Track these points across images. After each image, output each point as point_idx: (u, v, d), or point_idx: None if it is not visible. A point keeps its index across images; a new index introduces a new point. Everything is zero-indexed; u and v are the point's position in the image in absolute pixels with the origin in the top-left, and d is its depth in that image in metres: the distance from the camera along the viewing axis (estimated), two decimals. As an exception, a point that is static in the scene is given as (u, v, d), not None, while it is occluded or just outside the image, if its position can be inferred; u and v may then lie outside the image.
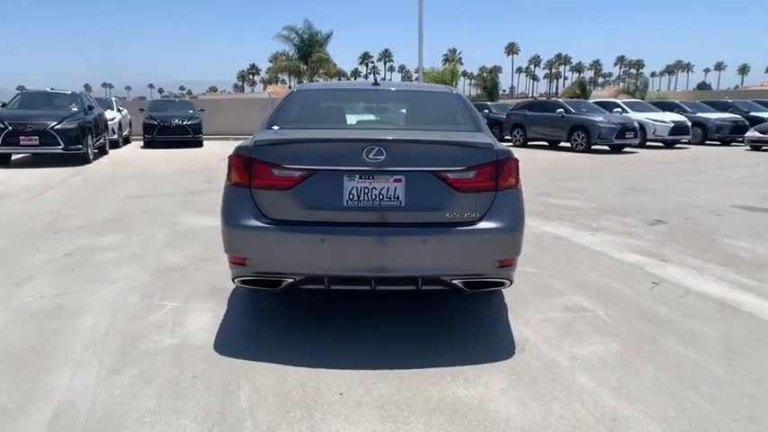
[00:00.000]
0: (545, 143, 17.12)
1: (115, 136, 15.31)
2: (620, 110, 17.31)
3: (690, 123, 16.75)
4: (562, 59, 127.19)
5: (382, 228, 2.66)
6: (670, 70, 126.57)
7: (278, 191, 2.70)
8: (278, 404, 2.30)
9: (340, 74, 48.36)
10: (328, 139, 2.86)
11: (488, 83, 42.62)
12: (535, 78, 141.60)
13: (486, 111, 20.16)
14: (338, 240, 2.64)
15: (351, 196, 2.66)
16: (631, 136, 15.19)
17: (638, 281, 3.93)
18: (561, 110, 16.18)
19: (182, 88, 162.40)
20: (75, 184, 8.72)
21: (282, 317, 3.25)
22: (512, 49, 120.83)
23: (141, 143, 16.44)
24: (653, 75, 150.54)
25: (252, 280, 2.81)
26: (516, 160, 2.83)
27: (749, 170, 10.83)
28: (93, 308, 3.32)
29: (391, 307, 3.38)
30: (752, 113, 18.94)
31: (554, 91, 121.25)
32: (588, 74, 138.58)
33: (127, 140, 17.33)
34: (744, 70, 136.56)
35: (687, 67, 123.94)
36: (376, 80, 3.74)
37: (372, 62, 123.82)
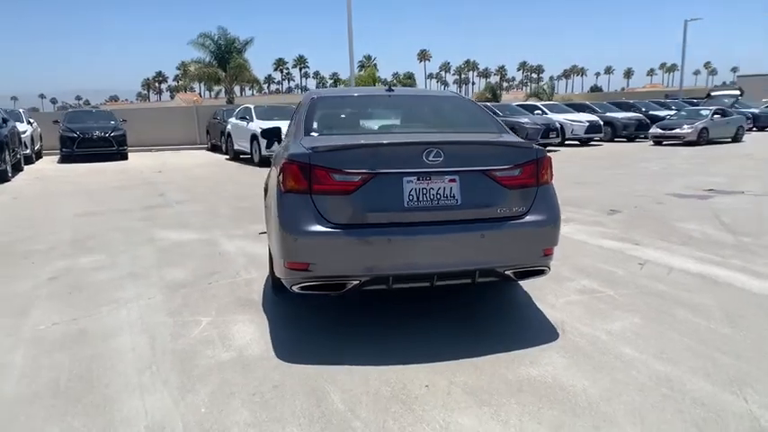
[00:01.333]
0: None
1: (28, 150, 13.98)
2: (540, 112, 18.63)
3: (602, 122, 18.36)
4: (470, 65, 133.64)
5: (443, 225, 2.80)
6: (567, 74, 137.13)
7: (339, 195, 2.74)
8: (374, 402, 2.36)
9: (255, 81, 47.42)
10: (389, 143, 2.95)
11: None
12: (445, 84, 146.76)
13: None
14: (404, 240, 2.74)
15: (411, 197, 2.77)
16: (554, 135, 16.39)
17: (626, 263, 4.36)
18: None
19: (78, 98, 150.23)
20: (5, 203, 7.93)
21: (325, 322, 3.27)
22: (424, 56, 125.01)
23: (57, 158, 15.15)
24: (551, 78, 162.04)
25: (315, 285, 2.82)
26: (550, 158, 3.09)
27: (664, 162, 12.13)
28: (121, 330, 3.14)
29: (423, 305, 3.50)
30: (650, 112, 21.12)
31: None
32: (494, 78, 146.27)
33: (39, 155, 15.88)
34: (629, 74, 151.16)
35: (581, 71, 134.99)
36: (390, 86, 3.87)
37: (287, 68, 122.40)
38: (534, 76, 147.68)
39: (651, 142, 17.85)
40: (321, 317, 3.33)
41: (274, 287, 3.62)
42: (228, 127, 15.43)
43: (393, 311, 3.40)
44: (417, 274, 2.82)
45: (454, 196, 2.81)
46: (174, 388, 2.49)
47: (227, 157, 15.29)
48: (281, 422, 2.22)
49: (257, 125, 13.23)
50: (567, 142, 17.82)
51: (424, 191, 2.78)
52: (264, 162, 12.70)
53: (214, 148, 18.66)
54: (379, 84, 41.60)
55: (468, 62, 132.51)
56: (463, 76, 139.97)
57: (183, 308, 3.48)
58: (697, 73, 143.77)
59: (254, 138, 13.24)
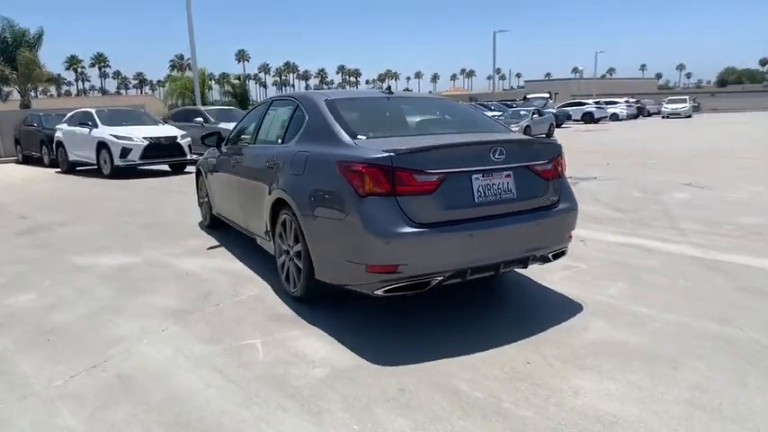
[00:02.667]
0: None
1: None
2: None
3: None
4: (291, 67, 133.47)
5: (506, 217, 3.05)
6: (381, 78, 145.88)
7: (421, 196, 2.81)
8: (501, 384, 2.52)
9: (52, 80, 40.80)
10: (464, 143, 3.09)
11: (238, 90, 42.00)
12: (264, 86, 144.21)
13: (200, 119, 14.13)
14: (481, 234, 2.92)
15: (479, 193, 2.97)
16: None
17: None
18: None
19: None
20: None
21: (379, 325, 3.26)
22: (242, 57, 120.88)
23: None
24: (367, 82, 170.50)
25: (402, 286, 2.83)
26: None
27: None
28: (171, 368, 2.73)
29: (443, 303, 3.70)
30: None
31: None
32: (314, 81, 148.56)
33: None
34: (435, 78, 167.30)
35: (395, 75, 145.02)
36: (390, 89, 3.96)
37: (83, 67, 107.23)
38: (352, 79, 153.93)
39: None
40: (371, 321, 3.29)
41: (303, 298, 3.47)
42: (59, 135, 13.21)
43: (427, 310, 3.50)
44: (491, 265, 3.04)
45: (511, 190, 3.09)
46: (304, 413, 2.31)
47: (59, 170, 13.11)
48: (442, 420, 2.26)
49: (104, 132, 11.67)
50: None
51: (488, 186, 3.01)
52: (119, 174, 11.26)
53: (27, 160, 15.85)
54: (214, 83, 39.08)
55: (288, 64, 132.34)
56: (283, 78, 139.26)
57: (216, 334, 3.12)
58: (489, 78, 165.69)
59: (101, 146, 11.64)
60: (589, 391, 2.47)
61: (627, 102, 37.25)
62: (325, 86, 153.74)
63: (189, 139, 12.21)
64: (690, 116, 36.69)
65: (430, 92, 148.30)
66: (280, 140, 3.96)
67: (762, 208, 6.56)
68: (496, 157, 3.02)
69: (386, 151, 2.81)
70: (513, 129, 19.81)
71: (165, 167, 12.17)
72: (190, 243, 5.36)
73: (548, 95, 27.31)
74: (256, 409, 2.34)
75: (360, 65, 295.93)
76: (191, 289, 3.93)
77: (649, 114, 40.74)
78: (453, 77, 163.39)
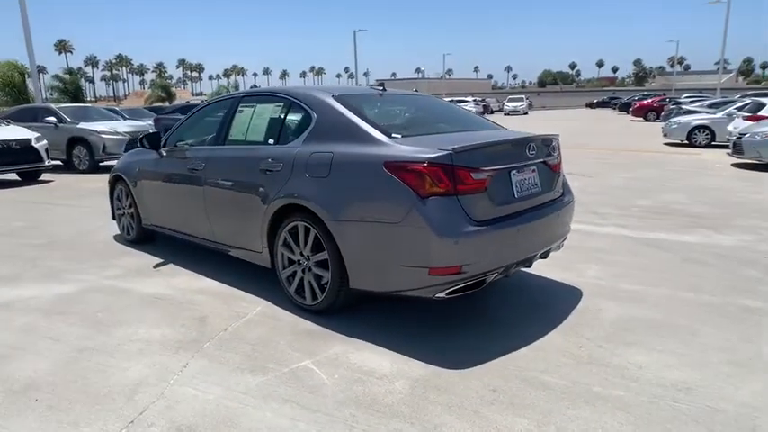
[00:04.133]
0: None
1: None
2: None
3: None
4: (123, 61, 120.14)
5: (537, 211, 3.16)
6: (227, 73, 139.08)
7: (477, 193, 2.79)
8: (576, 370, 2.64)
9: None
10: (507, 141, 3.09)
11: (70, 86, 36.70)
12: (91, 81, 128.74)
13: (53, 119, 11.84)
14: (525, 228, 2.99)
15: (517, 188, 3.04)
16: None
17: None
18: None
19: None
20: None
21: (416, 330, 3.16)
22: (63, 47, 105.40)
23: None
24: (211, 78, 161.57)
25: (463, 287, 2.78)
26: None
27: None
28: (235, 407, 2.32)
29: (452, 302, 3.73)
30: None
31: (122, 94, 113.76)
32: (150, 76, 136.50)
33: None
34: (284, 75, 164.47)
35: (242, 71, 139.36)
36: (383, 86, 3.81)
37: None
38: (195, 74, 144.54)
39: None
40: (405, 325, 3.18)
41: (324, 311, 3.22)
42: None
43: (441, 312, 3.48)
44: (529, 258, 3.12)
45: (537, 184, 3.22)
46: (423, 431, 2.16)
47: None
48: (554, 412, 2.29)
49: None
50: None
51: (522, 182, 3.10)
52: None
53: None
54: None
55: (120, 57, 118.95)
56: (114, 72, 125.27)
57: (254, 361, 2.74)
58: (339, 76, 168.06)
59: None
60: (649, 364, 2.70)
61: (475, 100, 40.73)
62: (168, 81, 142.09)
63: (45, 141, 10.43)
64: (527, 113, 41.43)
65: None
66: (272, 141, 3.58)
67: (643, 192, 7.72)
68: (530, 153, 3.12)
69: (443, 150, 2.73)
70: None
71: (10, 177, 10.24)
72: (125, 262, 4.61)
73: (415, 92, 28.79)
74: (369, 436, 2.13)
75: (203, 59, 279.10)
76: (176, 314, 3.39)
77: (492, 112, 45.04)
78: (303, 75, 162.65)
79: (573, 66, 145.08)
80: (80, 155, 11.81)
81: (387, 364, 2.72)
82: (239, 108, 3.97)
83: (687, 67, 60.95)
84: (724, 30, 28.22)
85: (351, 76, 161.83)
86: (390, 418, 2.26)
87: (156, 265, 4.47)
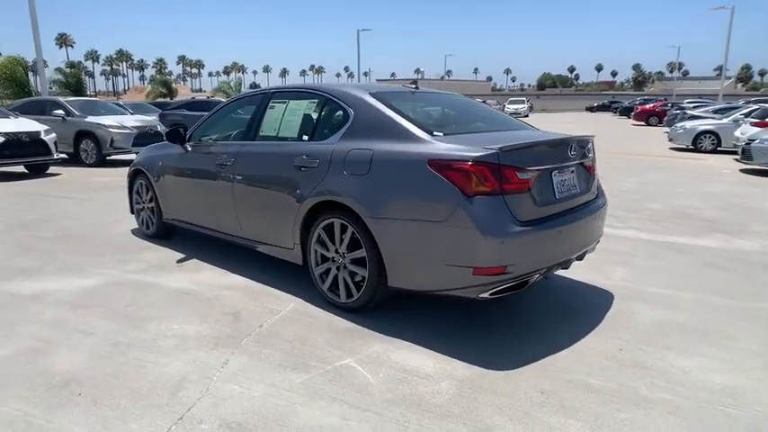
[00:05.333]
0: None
1: None
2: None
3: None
4: (124, 56, 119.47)
5: (578, 211, 3.15)
6: (227, 70, 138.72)
7: (521, 193, 2.77)
8: (622, 368, 2.62)
9: None
10: (551, 141, 3.07)
11: (71, 79, 36.51)
12: (91, 75, 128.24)
13: (61, 112, 11.71)
14: (566, 229, 2.98)
15: (558, 189, 3.03)
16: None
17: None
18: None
19: None
20: None
21: (456, 331, 3.14)
22: (64, 41, 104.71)
23: None
24: (210, 74, 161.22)
25: (508, 287, 2.76)
26: None
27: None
28: (283, 407, 2.30)
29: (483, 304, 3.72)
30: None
31: (122, 89, 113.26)
32: (150, 72, 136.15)
33: None
34: (284, 73, 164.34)
35: (242, 68, 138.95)
36: (416, 84, 3.79)
37: None
38: (195, 71, 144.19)
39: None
40: (443, 325, 3.16)
41: (360, 308, 3.20)
42: None
43: (472, 312, 3.47)
44: (568, 260, 3.11)
45: (576, 185, 3.20)
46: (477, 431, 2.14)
47: None
48: (605, 415, 2.28)
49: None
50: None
51: (562, 182, 3.08)
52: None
53: None
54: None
55: (121, 52, 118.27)
56: (115, 67, 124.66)
57: (295, 359, 2.72)
58: (338, 75, 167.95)
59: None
60: (692, 368, 2.69)
61: (480, 102, 40.72)
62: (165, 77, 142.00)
63: (54, 135, 10.37)
64: (527, 116, 41.40)
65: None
66: (306, 137, 3.55)
67: (654, 195, 7.73)
68: (571, 153, 3.11)
69: (490, 149, 2.71)
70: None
71: (18, 169, 10.16)
72: (146, 256, 4.56)
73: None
74: (423, 436, 2.11)
75: (203, 56, 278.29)
76: (207, 310, 3.36)
77: (493, 113, 44.94)
78: (303, 73, 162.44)
79: (572, 69, 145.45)
80: (87, 148, 11.75)
81: (429, 363, 2.70)
82: (270, 104, 3.93)
83: (686, 73, 61.31)
84: (727, 36, 28.37)
85: (350, 76, 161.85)
86: (442, 418, 2.24)
87: (179, 261, 4.43)
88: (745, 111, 14.15)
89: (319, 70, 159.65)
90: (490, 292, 2.75)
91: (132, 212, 5.44)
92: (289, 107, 3.81)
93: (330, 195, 3.18)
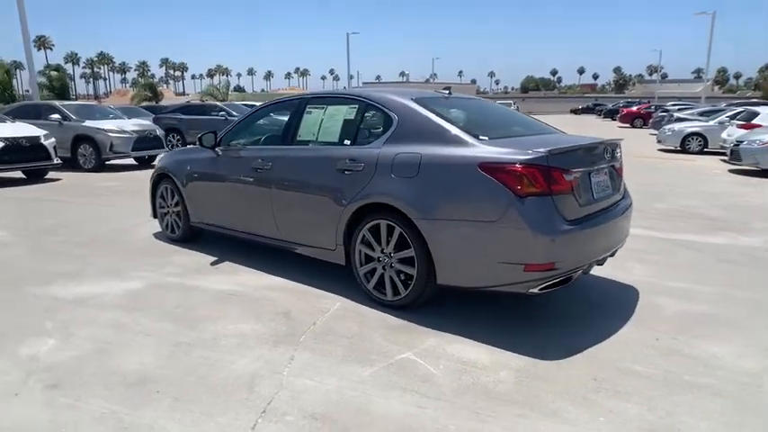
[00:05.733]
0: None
1: None
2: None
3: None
4: (105, 59, 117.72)
5: (611, 211, 3.34)
6: (211, 73, 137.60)
7: (567, 194, 2.95)
8: (662, 356, 2.80)
9: None
10: (591, 144, 3.25)
11: (56, 83, 36.02)
12: (71, 78, 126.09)
13: (57, 116, 11.64)
14: (604, 228, 3.17)
15: (595, 189, 3.21)
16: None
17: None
18: (223, 112, 16.55)
19: None
20: None
21: (498, 321, 3.30)
22: (43, 44, 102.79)
23: None
24: (194, 77, 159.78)
25: (555, 283, 2.93)
26: None
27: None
28: (360, 398, 2.43)
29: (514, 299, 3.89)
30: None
31: (103, 92, 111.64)
32: (132, 75, 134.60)
33: None
34: (269, 76, 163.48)
35: (226, 71, 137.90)
36: (449, 90, 3.95)
37: None
38: (178, 74, 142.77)
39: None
40: (487, 319, 3.31)
41: (407, 305, 3.35)
42: None
43: (512, 307, 3.64)
44: (604, 258, 3.29)
45: (609, 186, 3.40)
46: (545, 416, 2.30)
47: None
48: (657, 398, 2.45)
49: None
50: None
51: (598, 183, 3.27)
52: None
53: None
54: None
55: (102, 55, 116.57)
56: (96, 70, 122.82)
57: (358, 353, 2.86)
58: (324, 78, 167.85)
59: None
60: (724, 355, 2.89)
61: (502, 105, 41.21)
62: (143, 80, 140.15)
63: (53, 139, 10.32)
64: (514, 118, 41.90)
65: (262, 89, 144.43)
66: (347, 142, 3.69)
67: (656, 195, 8.00)
68: (608, 156, 3.30)
69: (539, 152, 2.88)
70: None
71: (16, 175, 10.09)
72: (178, 260, 4.65)
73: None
74: (502, 422, 2.26)
75: (186, 59, 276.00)
76: (257, 310, 3.47)
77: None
78: (288, 76, 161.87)
79: (554, 72, 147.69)
80: (86, 153, 11.68)
81: (483, 355, 2.85)
82: (307, 109, 4.06)
83: (665, 76, 62.77)
84: (709, 40, 29.23)
85: (336, 78, 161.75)
86: (509, 405, 2.39)
87: (213, 263, 4.52)
88: (729, 113, 14.64)
89: (304, 73, 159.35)
90: (540, 287, 2.92)
91: (155, 217, 5.50)
92: (327, 112, 3.94)
93: (377, 198, 3.33)
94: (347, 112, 3.82)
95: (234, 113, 16.55)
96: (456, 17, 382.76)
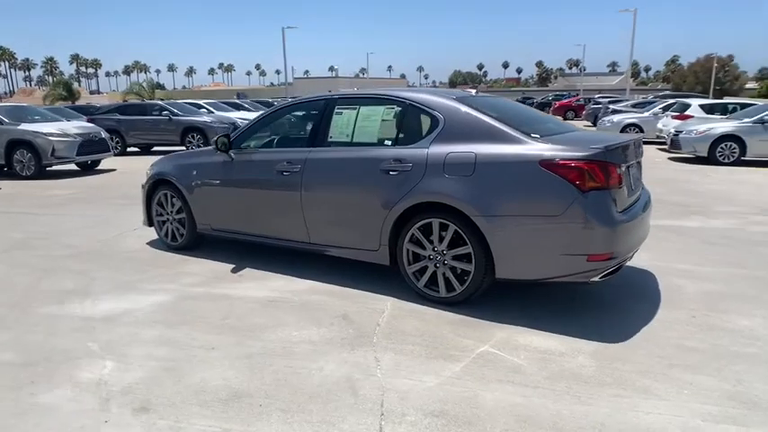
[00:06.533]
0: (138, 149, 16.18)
1: None
2: (205, 110, 18.39)
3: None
4: (6, 54, 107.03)
5: (641, 202, 3.59)
6: (129, 70, 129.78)
7: (618, 187, 3.16)
8: (705, 331, 3.09)
9: None
10: (629, 141, 3.46)
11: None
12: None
13: None
14: (641, 219, 3.42)
15: (633, 183, 3.45)
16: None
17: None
18: (166, 112, 15.77)
19: None
20: None
21: (551, 311, 3.46)
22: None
23: None
24: (108, 75, 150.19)
25: (611, 272, 3.12)
26: None
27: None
28: (471, 386, 2.49)
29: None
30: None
31: (3, 91, 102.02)
32: (37, 72, 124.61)
33: None
34: (191, 72, 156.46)
35: (144, 68, 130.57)
36: (477, 89, 4.06)
37: None
38: (91, 70, 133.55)
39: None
40: (540, 309, 3.45)
41: (463, 301, 3.43)
42: None
43: (558, 295, 3.83)
44: (638, 248, 3.54)
45: (638, 179, 3.67)
46: (637, 392, 2.48)
47: None
48: (723, 357, 2.71)
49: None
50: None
51: (633, 177, 3.53)
52: None
53: None
54: None
55: (2, 50, 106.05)
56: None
57: (433, 351, 2.91)
58: (249, 74, 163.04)
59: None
60: (755, 326, 3.23)
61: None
62: (52, 78, 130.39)
63: None
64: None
65: (184, 86, 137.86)
66: (388, 142, 3.70)
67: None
68: (639, 151, 3.54)
69: (596, 148, 3.06)
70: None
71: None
72: (192, 269, 4.46)
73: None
74: (604, 403, 2.41)
75: (99, 55, 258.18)
76: (311, 315, 3.43)
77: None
78: (212, 72, 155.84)
79: (480, 66, 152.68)
80: (24, 159, 10.73)
81: (554, 343, 3.01)
82: (336, 110, 4.02)
83: (583, 69, 66.78)
84: (631, 37, 31.55)
85: (262, 74, 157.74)
86: (602, 387, 2.55)
87: (233, 271, 4.38)
88: (661, 105, 15.94)
89: (229, 68, 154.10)
90: (600, 276, 3.11)
91: (149, 225, 5.22)
92: (361, 113, 3.92)
93: (431, 197, 3.38)
94: (385, 112, 3.83)
95: (179, 113, 15.84)
96: (385, 12, 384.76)
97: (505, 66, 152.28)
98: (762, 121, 10.67)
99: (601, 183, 3.04)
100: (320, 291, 3.88)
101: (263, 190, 4.25)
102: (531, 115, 4.14)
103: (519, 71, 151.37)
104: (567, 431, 2.22)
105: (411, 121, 3.73)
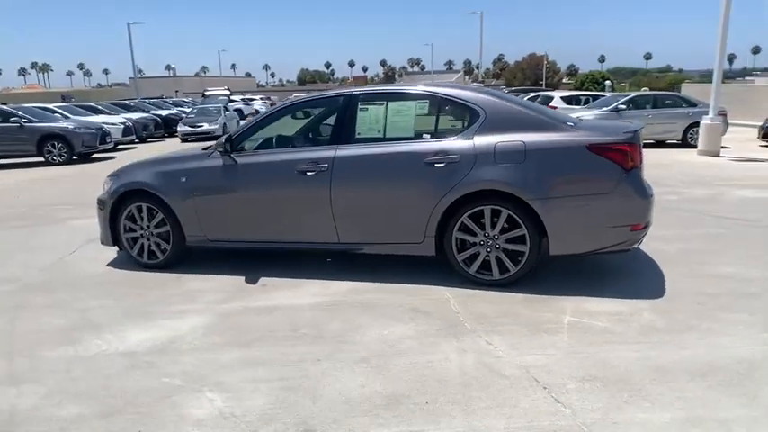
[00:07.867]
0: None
1: None
2: (60, 115, 16.07)
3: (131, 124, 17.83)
4: None
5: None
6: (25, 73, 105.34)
7: (642, 166, 3.65)
8: (733, 300, 3.76)
9: None
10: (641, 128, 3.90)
11: None
12: None
13: None
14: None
15: (636, 163, 4.00)
16: (108, 140, 14.87)
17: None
18: (15, 118, 13.41)
19: None
20: None
21: (591, 285, 3.86)
22: None
23: None
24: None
25: (642, 238, 3.61)
26: None
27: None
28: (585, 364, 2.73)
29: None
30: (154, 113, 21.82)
31: None
32: None
33: None
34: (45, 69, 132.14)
35: (45, 68, 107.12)
36: (483, 83, 4.27)
37: None
38: None
39: (180, 140, 19.00)
40: (579, 279, 3.82)
41: (511, 283, 3.67)
42: None
43: (586, 267, 4.24)
44: None
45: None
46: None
47: None
48: (759, 314, 3.35)
49: None
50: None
51: (635, 160, 4.08)
52: None
53: None
54: None
55: None
56: None
57: (528, 327, 3.11)
58: (71, 74, 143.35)
59: None
60: (740, 272, 3.99)
61: (262, 99, 40.55)
62: None
63: None
64: (313, 110, 42.86)
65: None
66: (427, 136, 3.77)
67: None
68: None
69: (629, 133, 3.51)
70: (213, 127, 19.37)
71: None
72: (197, 286, 4.03)
73: (228, 92, 27.04)
74: (695, 342, 2.85)
75: None
76: (385, 313, 3.39)
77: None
78: (23, 72, 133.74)
79: (328, 65, 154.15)
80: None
81: (617, 307, 3.39)
82: (361, 106, 3.95)
83: (423, 67, 71.66)
84: (480, 37, 34.64)
85: (87, 74, 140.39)
86: (683, 332, 3.01)
87: (249, 281, 4.06)
88: (527, 98, 17.95)
89: (45, 68, 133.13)
90: (637, 243, 3.60)
91: (113, 244, 4.55)
92: (391, 108, 3.91)
93: (485, 185, 3.55)
94: (418, 107, 3.89)
95: (33, 118, 13.57)
96: (226, 10, 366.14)
97: (351, 64, 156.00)
98: (617, 109, 12.74)
99: (636, 162, 3.52)
100: (368, 290, 3.81)
101: (279, 192, 4.01)
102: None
103: (365, 69, 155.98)
104: (693, 372, 2.59)
105: (448, 115, 3.86)
